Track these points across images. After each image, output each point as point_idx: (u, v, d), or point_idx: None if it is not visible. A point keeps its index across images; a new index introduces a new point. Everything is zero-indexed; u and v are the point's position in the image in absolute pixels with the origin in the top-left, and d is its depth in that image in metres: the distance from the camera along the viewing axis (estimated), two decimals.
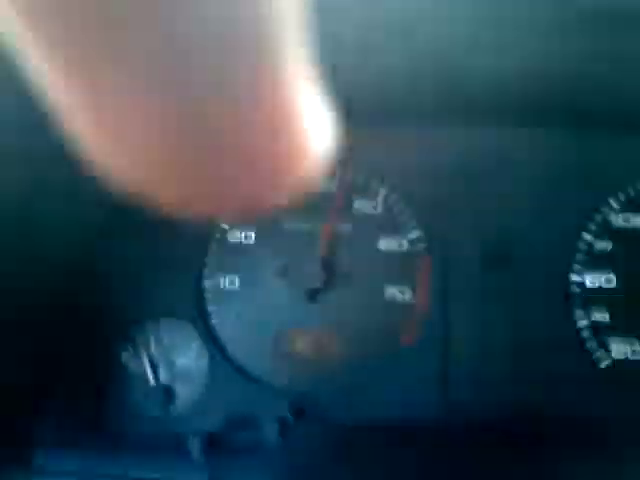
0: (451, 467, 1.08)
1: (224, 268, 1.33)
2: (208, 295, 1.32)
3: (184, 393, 1.30)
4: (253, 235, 1.33)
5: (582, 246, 1.24)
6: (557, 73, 1.07)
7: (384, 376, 1.25)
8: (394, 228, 1.30)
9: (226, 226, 1.34)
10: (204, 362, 1.30)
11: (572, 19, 0.88)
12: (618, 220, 1.25)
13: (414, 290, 1.27)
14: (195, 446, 1.12)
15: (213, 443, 1.14)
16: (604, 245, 1.24)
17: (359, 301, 1.28)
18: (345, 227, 1.31)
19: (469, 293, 1.25)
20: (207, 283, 1.33)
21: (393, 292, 1.28)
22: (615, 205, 1.25)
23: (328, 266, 1.28)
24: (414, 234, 1.29)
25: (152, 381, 1.30)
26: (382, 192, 1.32)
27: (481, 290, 1.25)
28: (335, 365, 1.27)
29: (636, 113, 1.20)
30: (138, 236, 1.34)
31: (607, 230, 1.24)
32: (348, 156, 1.32)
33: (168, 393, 1.29)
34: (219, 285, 1.32)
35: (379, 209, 1.31)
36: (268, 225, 1.32)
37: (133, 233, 1.34)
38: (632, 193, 1.25)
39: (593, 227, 1.24)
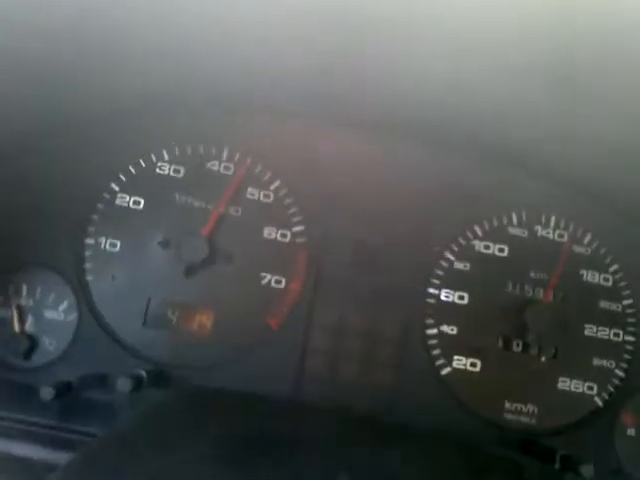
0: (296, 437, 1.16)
1: (108, 229, 1.34)
2: (87, 253, 1.34)
3: (48, 345, 1.31)
4: (142, 202, 1.35)
5: (444, 264, 1.37)
6: (458, 101, 1.17)
7: (246, 354, 1.32)
8: (280, 219, 1.37)
9: (116, 188, 1.36)
10: (73, 318, 1.32)
11: None
12: (479, 246, 1.38)
13: (288, 279, 1.35)
14: (48, 393, 1.14)
15: (66, 393, 1.16)
16: (463, 266, 1.37)
17: (234, 282, 1.34)
18: (234, 210, 1.36)
19: (337, 290, 1.35)
20: (89, 241, 1.34)
21: (268, 278, 1.35)
22: (479, 232, 1.38)
23: (211, 244, 1.33)
24: (297, 228, 1.37)
25: (17, 328, 1.31)
26: (275, 184, 1.38)
27: (348, 289, 1.35)
28: (201, 339, 1.33)
29: (517, 152, 1.33)
30: (26, 184, 1.33)
31: (468, 253, 1.38)
32: (248, 145, 1.38)
33: (32, 342, 1.30)
34: (100, 245, 1.34)
35: (270, 199, 1.38)
36: (159, 195, 1.35)
37: (22, 180, 1.33)
38: (495, 223, 1.38)
39: (456, 249, 1.37)
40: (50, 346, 1.31)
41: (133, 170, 1.37)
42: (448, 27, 0.91)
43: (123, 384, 1.16)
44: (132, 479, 0.82)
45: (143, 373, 1.23)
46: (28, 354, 1.30)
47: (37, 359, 1.31)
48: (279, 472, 0.87)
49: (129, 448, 0.92)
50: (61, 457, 1.12)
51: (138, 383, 1.19)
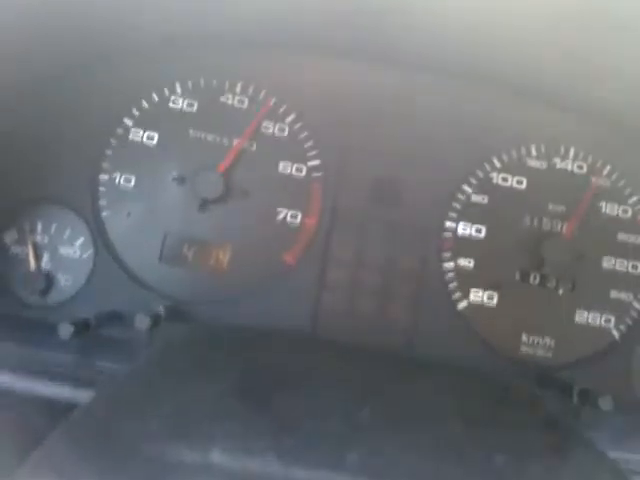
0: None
1: (122, 165, 1.33)
2: (102, 189, 1.32)
3: (64, 282, 1.31)
4: (156, 137, 1.33)
5: (461, 197, 1.35)
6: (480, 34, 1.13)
7: (263, 290, 1.32)
8: (295, 154, 1.35)
9: (129, 123, 1.34)
10: (88, 254, 1.31)
11: None
12: (497, 178, 1.36)
13: (304, 215, 1.34)
14: (66, 330, 1.13)
15: (85, 330, 1.16)
16: (480, 199, 1.35)
17: (250, 217, 1.33)
18: (249, 145, 1.34)
19: (354, 225, 1.34)
20: (103, 177, 1.33)
21: (284, 214, 1.34)
22: (497, 164, 1.36)
23: (227, 180, 1.31)
24: (313, 162, 1.35)
25: (33, 266, 1.30)
26: (290, 117, 1.36)
27: (365, 224, 1.34)
28: (218, 275, 1.33)
29: (535, 84, 1.30)
30: (40, 121, 1.31)
31: (486, 186, 1.36)
32: (263, 78, 1.35)
33: (48, 280, 1.30)
34: (115, 181, 1.33)
35: (285, 133, 1.36)
36: (173, 129, 1.33)
37: (36, 117, 1.31)
38: (514, 155, 1.37)
39: (474, 181, 1.36)
40: (66, 283, 1.31)
41: (146, 104, 1.34)
42: None
43: (141, 321, 1.15)
44: (154, 414, 0.82)
45: (161, 310, 1.23)
46: (44, 292, 1.30)
47: (54, 297, 1.31)
48: (303, 405, 0.87)
49: (150, 384, 0.92)
50: (80, 395, 1.12)
51: (156, 320, 1.19)
